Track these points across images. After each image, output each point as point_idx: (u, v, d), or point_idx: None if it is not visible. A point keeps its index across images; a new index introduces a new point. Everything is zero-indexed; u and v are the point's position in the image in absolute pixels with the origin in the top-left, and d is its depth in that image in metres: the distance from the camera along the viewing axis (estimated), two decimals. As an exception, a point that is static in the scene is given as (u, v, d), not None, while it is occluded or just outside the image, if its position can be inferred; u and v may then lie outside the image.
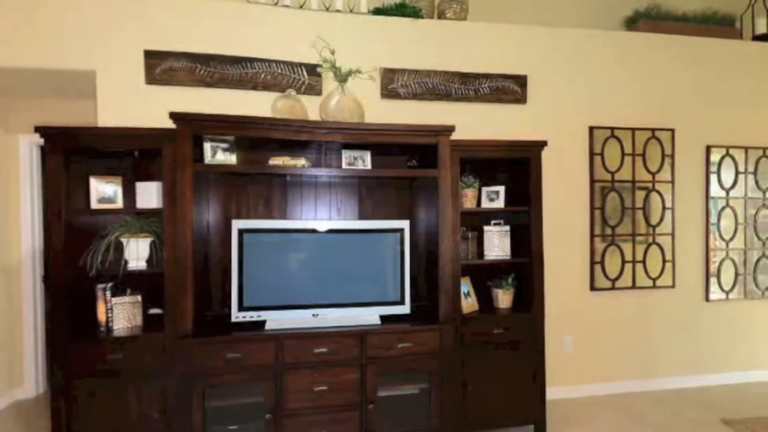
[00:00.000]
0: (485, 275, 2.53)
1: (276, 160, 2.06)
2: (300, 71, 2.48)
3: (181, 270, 1.86)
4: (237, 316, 1.99)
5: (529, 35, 2.79)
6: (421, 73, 2.62)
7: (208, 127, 1.90)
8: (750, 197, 3.08)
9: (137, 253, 2.00)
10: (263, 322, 2.00)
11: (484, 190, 2.42)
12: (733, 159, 3.05)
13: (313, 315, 2.06)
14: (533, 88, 2.78)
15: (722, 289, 3.03)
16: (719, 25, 3.12)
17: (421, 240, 2.39)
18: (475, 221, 2.52)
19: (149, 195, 2.02)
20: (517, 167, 2.43)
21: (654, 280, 2.93)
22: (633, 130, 2.90)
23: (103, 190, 2.02)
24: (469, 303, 2.33)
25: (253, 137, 1.97)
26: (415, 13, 2.65)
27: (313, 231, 2.11)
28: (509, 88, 2.73)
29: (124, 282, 2.03)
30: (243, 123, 1.92)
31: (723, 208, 3.04)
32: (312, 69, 2.44)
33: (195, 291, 1.91)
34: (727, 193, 3.05)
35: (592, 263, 2.85)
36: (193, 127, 1.88)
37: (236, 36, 2.43)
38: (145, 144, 1.94)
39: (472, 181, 2.37)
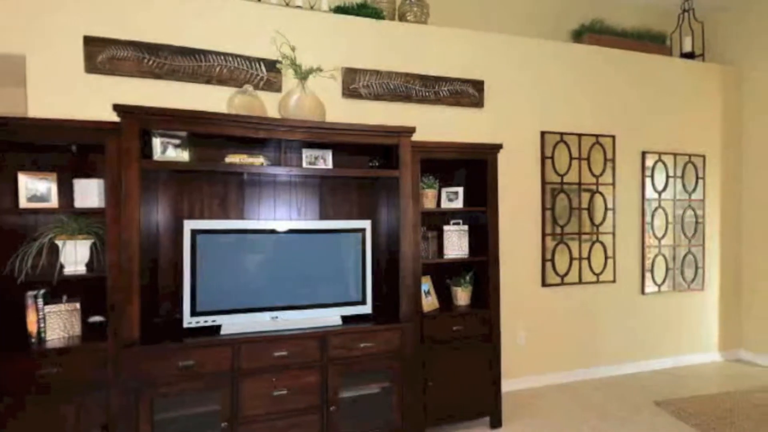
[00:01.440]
0: (445, 274, 2.60)
1: (233, 158, 1.98)
2: (258, 66, 2.41)
3: (126, 274, 1.73)
4: (190, 321, 1.89)
5: (486, 42, 2.90)
6: (382, 74, 2.63)
7: (158, 121, 1.79)
8: (678, 199, 3.41)
9: (75, 256, 1.84)
10: (218, 327, 1.92)
11: (444, 190, 2.48)
12: (665, 164, 3.36)
13: (272, 318, 2.01)
14: (490, 93, 2.89)
15: (655, 283, 3.33)
16: (653, 42, 3.42)
17: (383, 240, 2.41)
18: (436, 221, 2.57)
19: (89, 193, 1.86)
20: (474, 169, 2.52)
21: (598, 275, 3.16)
22: (579, 135, 3.10)
23: (35, 188, 1.83)
24: (429, 301, 2.38)
25: (209, 133, 1.88)
26: (376, 14, 2.67)
27: (273, 231, 2.05)
28: (467, 92, 2.82)
29: (60, 288, 1.86)
30: (197, 118, 1.83)
31: (656, 209, 3.34)
32: (271, 65, 2.37)
33: (143, 296, 1.79)
34: (659, 195, 3.35)
35: (544, 260, 3.01)
36: (141, 121, 1.76)
37: (189, 26, 2.31)
38: (85, 138, 1.79)
39: (432, 181, 2.42)
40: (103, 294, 1.78)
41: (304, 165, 2.13)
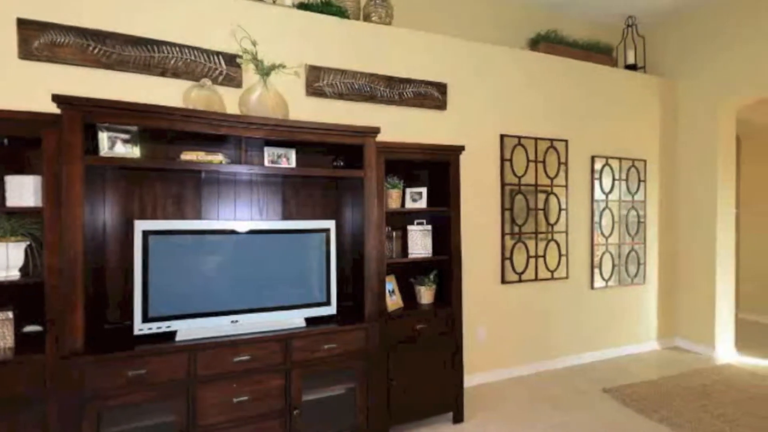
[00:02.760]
0: (409, 273, 2.63)
1: (189, 155, 1.88)
2: (217, 60, 2.31)
3: (68, 279, 1.60)
4: (141, 327, 1.77)
5: (449, 46, 2.97)
6: (347, 74, 2.62)
7: (105, 114, 1.66)
8: (623, 200, 3.67)
9: (7, 260, 1.67)
10: (173, 333, 1.82)
11: (408, 191, 2.51)
12: (611, 168, 3.61)
13: (232, 322, 1.93)
14: (452, 96, 2.96)
15: (603, 278, 3.57)
16: (601, 53, 3.66)
17: (348, 240, 2.40)
18: (400, 221, 2.60)
19: (23, 191, 1.69)
20: (438, 170, 2.57)
21: (552, 272, 3.33)
22: (536, 139, 3.26)
23: (-43, 185, 1.64)
24: (394, 300, 2.39)
25: (163, 129, 1.78)
26: (340, 13, 2.65)
27: (233, 232, 1.98)
28: (431, 95, 2.88)
29: (-11, 296, 1.68)
30: (150, 112, 1.72)
31: (603, 209, 3.58)
32: (231, 59, 2.29)
33: (88, 302, 1.66)
34: (606, 196, 3.59)
35: (503, 259, 3.13)
36: (85, 114, 1.63)
37: (140, 14, 2.17)
38: (17, 130, 1.62)
39: (396, 182, 2.44)
40: (41, 301, 1.63)
41: (266, 164, 2.07)
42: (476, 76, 3.06)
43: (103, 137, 1.74)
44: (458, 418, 2.46)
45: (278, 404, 1.89)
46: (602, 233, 3.57)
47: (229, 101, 2.16)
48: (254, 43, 1.97)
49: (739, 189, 4.62)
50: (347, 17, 2.68)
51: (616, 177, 3.63)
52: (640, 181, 3.73)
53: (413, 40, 2.85)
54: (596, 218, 3.54)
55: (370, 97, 2.69)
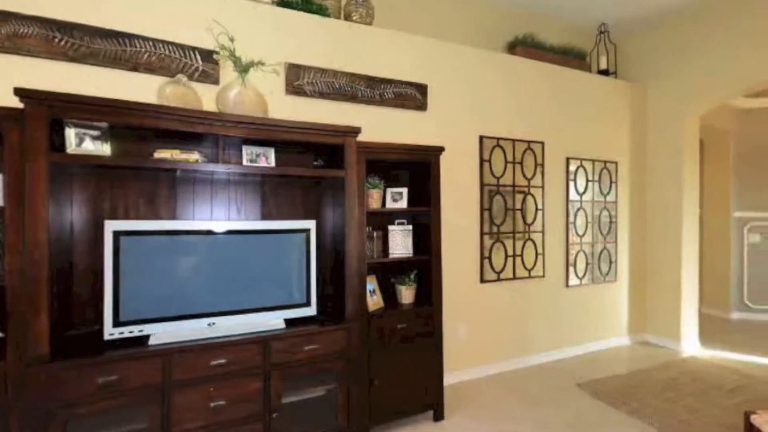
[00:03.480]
0: (390, 273, 2.64)
1: (163, 153, 1.82)
2: (193, 56, 2.25)
3: (32, 281, 1.52)
4: (112, 332, 1.71)
5: (430, 47, 2.99)
6: (328, 73, 2.60)
7: (72, 109, 1.59)
8: (596, 200, 3.80)
9: (-36, 263, 1.57)
10: (147, 337, 1.76)
11: (389, 191, 2.51)
12: (585, 169, 3.73)
13: (209, 324, 1.89)
14: (433, 97, 2.99)
15: (577, 276, 3.68)
16: (575, 58, 3.78)
17: (328, 240, 2.38)
18: (381, 221, 2.60)
19: (-17, 189, 1.60)
20: (418, 170, 2.58)
21: (529, 271, 3.41)
22: (514, 141, 3.33)
23: None
24: (374, 300, 2.40)
25: (135, 126, 1.71)
26: (321, 11, 2.63)
27: (209, 232, 1.93)
28: (411, 95, 2.89)
29: (-57, 301, 1.58)
30: (121, 108, 1.66)
31: (578, 210, 3.70)
32: (208, 55, 2.23)
33: (54, 306, 1.59)
34: (581, 197, 3.71)
35: (482, 258, 3.19)
36: (51, 109, 1.55)
37: (110, 5, 2.08)
38: (-24, 125, 1.54)
39: (377, 182, 2.44)
40: (2, 305, 1.54)
41: (245, 162, 2.03)
42: (456, 77, 3.09)
43: (71, 133, 1.67)
44: (439, 416, 2.48)
45: (257, 408, 1.85)
46: (577, 233, 3.68)
47: (206, 98, 2.11)
48: (232, 39, 1.93)
49: (703, 190, 4.87)
50: (328, 16, 2.66)
51: (590, 178, 3.75)
52: (611, 182, 3.88)
53: (394, 41, 2.86)
54: (571, 218, 3.65)
55: (351, 97, 2.68)
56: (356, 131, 2.14)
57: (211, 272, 1.93)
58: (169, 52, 2.19)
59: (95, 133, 1.71)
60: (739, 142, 4.88)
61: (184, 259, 1.89)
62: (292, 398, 1.98)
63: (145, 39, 2.14)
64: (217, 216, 2.21)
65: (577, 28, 4.05)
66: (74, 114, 1.60)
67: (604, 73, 3.94)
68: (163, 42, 2.18)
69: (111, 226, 1.73)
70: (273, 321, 2.01)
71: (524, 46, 3.50)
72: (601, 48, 4.01)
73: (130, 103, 1.68)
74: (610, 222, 3.88)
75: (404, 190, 2.50)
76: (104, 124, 1.70)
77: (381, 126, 2.75)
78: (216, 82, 2.29)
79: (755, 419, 1.38)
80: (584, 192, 3.72)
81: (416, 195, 2.57)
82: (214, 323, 1.90)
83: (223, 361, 1.78)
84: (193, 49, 2.24)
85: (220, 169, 1.90)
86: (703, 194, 4.87)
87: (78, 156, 1.67)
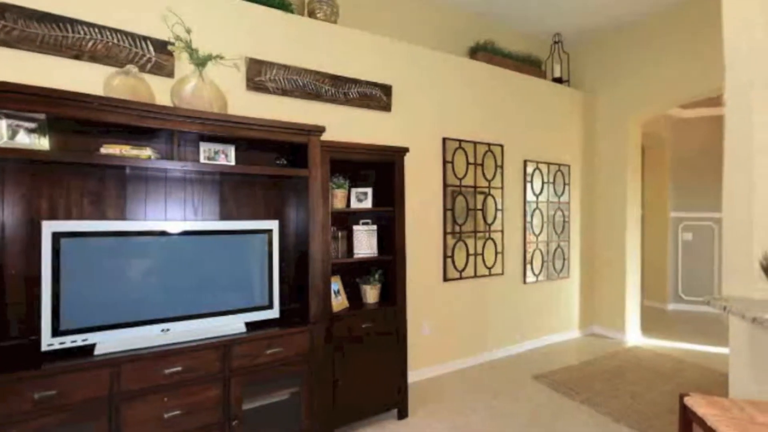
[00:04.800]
0: (355, 273, 2.63)
1: (111, 149, 1.70)
2: (144, 46, 2.12)
3: (-46, 290, 1.36)
4: (50, 342, 1.57)
5: (394, 49, 3.02)
6: (291, 70, 2.55)
7: (4, 98, 1.44)
8: (550, 201, 4.01)
9: None
10: (92, 347, 1.63)
11: (354, 191, 2.50)
12: (541, 171, 3.92)
13: (163, 330, 1.78)
14: (397, 98, 3.02)
15: (534, 273, 3.86)
16: (532, 66, 3.96)
17: (291, 240, 2.33)
18: (345, 221, 2.59)
19: None
20: (383, 170, 2.59)
21: (490, 269, 3.54)
22: (475, 143, 3.44)
23: None
24: (339, 301, 2.38)
25: (79, 118, 1.58)
26: (283, 6, 2.57)
27: (163, 233, 1.82)
28: (376, 96, 2.90)
29: None
30: (62, 99, 1.53)
31: (534, 210, 3.88)
32: (162, 46, 2.11)
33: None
34: (537, 197, 3.90)
35: (445, 257, 3.26)
36: (-23, 97, 1.40)
37: (50, -13, 1.92)
38: None
39: (342, 181, 2.43)
40: None
41: (202, 160, 1.94)
42: (420, 80, 3.14)
43: (2, 125, 1.51)
44: (403, 414, 2.51)
45: (216, 416, 1.78)
46: (533, 232, 3.86)
47: (160, 91, 1.99)
48: (188, 31, 1.84)
49: (644, 193, 5.29)
50: (291, 11, 2.61)
51: (545, 180, 3.95)
52: (565, 184, 4.10)
53: (359, 41, 2.85)
54: (528, 218, 3.82)
55: (315, 95, 2.64)
56: (321, 130, 2.11)
57: (165, 276, 1.82)
58: (118, 40, 2.05)
59: (31, 125, 1.56)
60: (675, 149, 5.35)
61: (134, 261, 1.77)
62: (253, 404, 1.91)
63: (90, 25, 1.99)
64: (172, 216, 2.09)
65: (533, 37, 4.25)
66: (6, 104, 1.45)
67: (558, 81, 4.16)
68: (110, 29, 2.03)
69: (50, 226, 1.58)
70: (233, 325, 1.94)
71: (485, 52, 3.62)
72: (556, 57, 4.23)
73: (71, 94, 1.55)
74: (564, 222, 4.10)
75: (369, 190, 2.50)
76: (42, 116, 1.56)
77: (346, 126, 2.74)
78: (170, 74, 2.17)
79: (688, 401, 1.51)
80: (540, 193, 3.91)
81: (381, 195, 2.58)
82: (168, 329, 1.80)
83: (178, 368, 1.69)
84: (145, 38, 2.11)
85: (174, 166, 1.80)
86: (644, 196, 5.28)
87: (10, 150, 1.51)
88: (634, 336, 4.06)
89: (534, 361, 3.52)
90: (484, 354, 3.51)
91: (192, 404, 1.72)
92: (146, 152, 1.76)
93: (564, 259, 4.09)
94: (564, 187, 4.10)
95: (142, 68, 2.06)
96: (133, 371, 1.61)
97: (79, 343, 1.61)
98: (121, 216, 1.96)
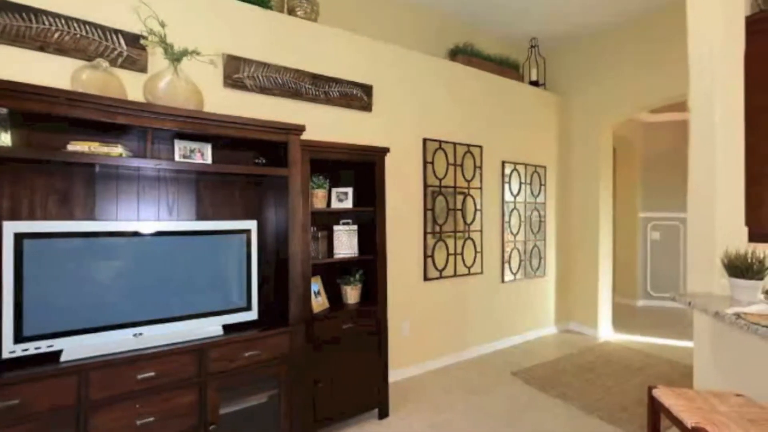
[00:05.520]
0: (335, 273, 2.61)
1: (79, 146, 1.63)
2: (115, 39, 2.03)
3: None
4: (12, 349, 1.48)
5: (375, 49, 3.02)
6: (270, 67, 2.50)
7: (-41, 91, 1.36)
8: (528, 201, 4.11)
9: None
10: (58, 353, 1.56)
11: (334, 190, 2.49)
12: (518, 172, 4.01)
13: (135, 335, 1.72)
14: (378, 98, 3.02)
15: (512, 272, 3.95)
16: (510, 69, 4.05)
17: (271, 241, 2.29)
18: (326, 221, 2.57)
19: None
20: (363, 170, 2.59)
21: (469, 268, 3.59)
22: (455, 144, 3.48)
23: None
24: (319, 302, 2.36)
25: (44, 113, 1.51)
26: (262, 2, 2.52)
27: (135, 234, 1.76)
28: (357, 96, 2.89)
29: None
30: (25, 92, 1.45)
31: (512, 210, 3.96)
32: (134, 39, 2.03)
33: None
34: (515, 198, 3.98)
35: (425, 257, 3.29)
36: (-71, 89, 1.31)
37: (11, -25, 1.81)
38: None
39: (322, 181, 2.41)
40: None
41: (177, 158, 1.88)
42: (400, 80, 3.15)
43: (-43, 119, 1.42)
44: (384, 414, 2.51)
45: (191, 421, 1.73)
46: (511, 231, 3.95)
47: (132, 87, 1.92)
48: (162, 24, 1.78)
49: (615, 193, 5.49)
50: (270, 8, 2.56)
51: (523, 181, 4.04)
52: (541, 185, 4.21)
53: (340, 40, 2.83)
54: (506, 218, 3.90)
55: (295, 94, 2.61)
56: (301, 129, 2.09)
57: (138, 278, 1.76)
58: (87, 32, 1.96)
59: (-10, 120, 1.48)
60: (643, 152, 5.58)
61: (105, 263, 1.70)
62: (231, 408, 1.88)
63: (56, 16, 1.89)
64: (145, 216, 2.02)
65: (511, 41, 4.34)
66: (-38, 97, 1.37)
67: (535, 84, 4.27)
68: (78, 21, 1.94)
69: (11, 227, 1.50)
70: (209, 328, 1.89)
71: (464, 54, 3.67)
72: (532, 61, 4.34)
73: (35, 87, 1.47)
74: (540, 221, 4.21)
75: (349, 190, 2.49)
76: (3, 110, 1.48)
77: (326, 125, 2.72)
78: (143, 69, 2.10)
79: (656, 393, 1.59)
80: (518, 193, 4.00)
81: (362, 195, 2.58)
82: (140, 333, 1.74)
83: (151, 374, 1.64)
84: (116, 31, 2.03)
85: (148, 165, 1.74)
86: (615, 197, 5.48)
87: (-33, 146, 1.43)
88: (606, 332, 4.21)
89: (512, 357, 3.60)
90: (464, 352, 3.56)
91: (166, 410, 1.67)
92: (117, 150, 1.69)
93: (540, 258, 4.20)
94: (540, 188, 4.20)
95: (112, 62, 1.99)
96: (103, 378, 1.55)
97: (44, 350, 1.54)
98: (91, 216, 1.88)
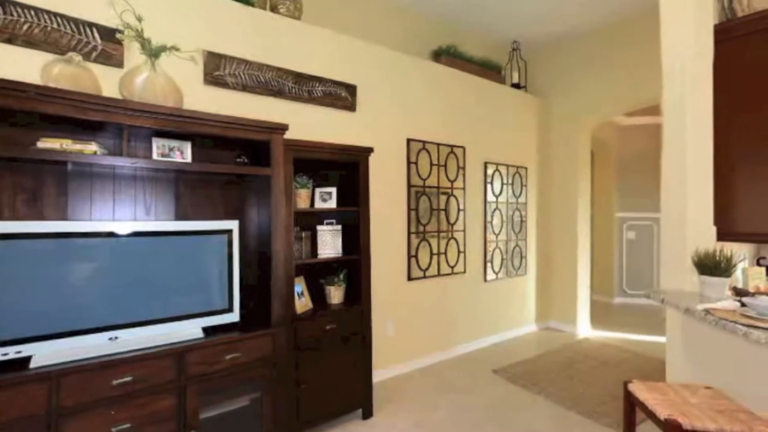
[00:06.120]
0: (319, 273, 2.60)
1: (49, 143, 1.56)
2: (89, 33, 1.96)
3: None
4: (-23, 356, 1.41)
5: (359, 48, 3.01)
6: (252, 65, 2.47)
7: None
8: (509, 202, 4.18)
9: None
10: (27, 359, 1.49)
11: (318, 190, 2.47)
12: (500, 173, 4.07)
13: (111, 339, 1.66)
14: (362, 98, 3.01)
15: (494, 271, 4.01)
16: (492, 71, 4.11)
17: (253, 241, 2.26)
18: (309, 221, 2.55)
19: None
20: (347, 170, 2.58)
21: (452, 267, 3.62)
22: (438, 145, 3.51)
23: None
24: (302, 303, 2.34)
25: (11, 109, 1.44)
26: (245, -1, 2.48)
27: (111, 234, 1.70)
28: (341, 95, 2.88)
29: None
30: (-11, 87, 1.38)
31: (494, 210, 4.02)
32: (109, 33, 1.97)
33: None
34: (497, 198, 4.05)
35: (409, 256, 3.30)
36: None
37: (-24, -38, 1.73)
38: None
39: (306, 181, 2.39)
40: None
41: (155, 157, 1.83)
42: (385, 81, 3.16)
43: None
44: (367, 414, 2.51)
45: (170, 427, 1.68)
46: (493, 231, 4.00)
47: (107, 82, 1.86)
48: (139, 19, 1.73)
49: (593, 194, 5.64)
50: (252, 5, 2.52)
51: (505, 181, 4.11)
52: (522, 185, 4.29)
53: (324, 39, 2.81)
54: (489, 218, 3.96)
55: (278, 92, 2.58)
56: (284, 128, 2.06)
57: (113, 280, 1.70)
58: (59, 25, 1.89)
59: (-47, 114, 1.40)
60: (620, 154, 5.76)
61: (78, 265, 1.64)
62: (212, 412, 1.84)
63: (25, 6, 1.81)
64: (121, 216, 1.96)
65: (493, 44, 4.40)
66: None
67: (516, 86, 4.35)
68: (49, 12, 1.87)
69: (-24, 228, 1.43)
70: (189, 330, 1.85)
71: (448, 56, 3.71)
72: (514, 63, 4.42)
73: (1, 81, 1.40)
74: (521, 221, 4.29)
75: (333, 190, 2.48)
76: (-34, 105, 1.40)
77: (309, 124, 2.70)
78: (120, 65, 2.03)
79: (631, 387, 1.64)
80: (500, 194, 4.06)
81: (346, 195, 2.56)
82: (116, 337, 1.68)
83: (128, 379, 1.59)
84: (91, 25, 1.96)
85: (124, 163, 1.68)
86: (593, 198, 5.63)
87: (-73, 142, 1.35)
88: (584, 329, 4.32)
89: (494, 355, 3.65)
90: (448, 351, 3.59)
91: (144, 416, 1.62)
92: (91, 147, 1.63)
93: (522, 258, 4.28)
94: (521, 189, 4.28)
95: (86, 57, 1.92)
96: (76, 384, 1.49)
97: (12, 356, 1.47)
98: (63, 216, 1.81)
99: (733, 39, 2.03)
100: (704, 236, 2.02)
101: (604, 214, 5.86)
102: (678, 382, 1.97)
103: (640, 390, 1.59)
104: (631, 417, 1.69)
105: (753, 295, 1.77)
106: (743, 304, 1.61)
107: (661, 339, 3.92)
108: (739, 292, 1.84)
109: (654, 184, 5.25)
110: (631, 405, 1.67)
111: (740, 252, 2.33)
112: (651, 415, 1.47)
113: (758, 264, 2.71)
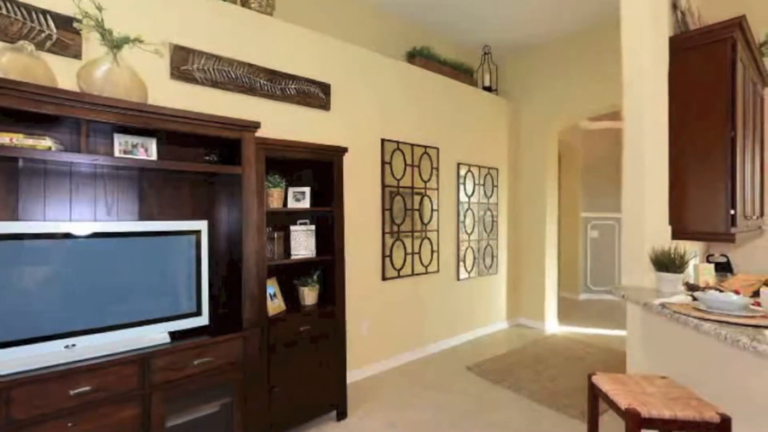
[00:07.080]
0: (292, 274, 2.55)
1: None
2: (43, 20, 1.84)
3: None
4: None
5: (334, 47, 2.99)
6: (222, 60, 2.39)
7: None
8: (481, 202, 4.27)
9: None
10: (-29, 371, 1.38)
11: (291, 190, 2.43)
12: (473, 174, 4.16)
13: (67, 347, 1.57)
14: (336, 97, 2.99)
15: (466, 270, 4.09)
16: (465, 74, 4.19)
17: (223, 242, 2.19)
18: (282, 221, 2.50)
19: None
20: (321, 169, 2.55)
21: (426, 267, 3.66)
22: (412, 145, 3.54)
23: None
24: (275, 304, 2.29)
25: (-50, 99, 1.33)
26: (214, -8, 2.40)
27: (67, 236, 1.60)
28: (315, 94, 2.85)
29: None
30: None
31: (467, 210, 4.10)
32: (66, 22, 1.85)
33: None
34: (469, 198, 4.13)
35: (383, 256, 3.31)
36: None
37: None
38: None
39: (278, 180, 2.34)
40: None
41: (117, 153, 1.74)
42: (359, 80, 3.15)
43: None
44: (342, 415, 2.49)
45: (133, 437, 1.61)
46: (466, 231, 4.08)
47: (64, 74, 1.75)
48: (99, 8, 1.64)
49: (560, 195, 5.87)
50: (222, -1, 2.45)
51: (477, 182, 4.20)
52: (494, 186, 4.40)
53: (297, 36, 2.77)
54: (461, 218, 4.03)
55: (249, 89, 2.51)
56: (255, 126, 2.01)
57: (70, 284, 1.60)
58: (8, 11, 1.76)
59: None
60: (584, 156, 6.02)
61: (30, 269, 1.53)
62: (179, 420, 1.77)
63: (-31, -10, 1.68)
64: (79, 216, 1.84)
65: (466, 47, 4.49)
66: None
67: (488, 89, 4.45)
68: (-3, -3, 1.73)
69: None
70: (154, 335, 1.77)
71: (422, 57, 3.75)
72: (486, 67, 4.52)
73: (-57, 70, 1.29)
74: (493, 221, 4.40)
75: (307, 190, 2.45)
76: None
77: (282, 123, 2.65)
78: (77, 56, 1.92)
79: (594, 379, 1.72)
80: (472, 194, 4.15)
81: (319, 195, 2.54)
82: (74, 344, 1.58)
83: (86, 388, 1.50)
84: (44, 12, 1.84)
85: (82, 160, 1.58)
86: (560, 198, 5.86)
87: None
88: (552, 325, 4.49)
89: (467, 352, 3.72)
90: (422, 348, 3.63)
91: (105, 426, 1.54)
92: (45, 143, 1.53)
93: (493, 257, 4.39)
94: (493, 189, 4.39)
95: (39, 46, 1.80)
96: (28, 395, 1.39)
97: (-46, 368, 1.35)
98: (13, 216, 1.69)
99: (685, 50, 2.17)
100: (660, 235, 2.15)
101: (569, 213, 6.10)
102: (637, 373, 2.08)
103: (602, 382, 1.67)
104: (595, 407, 1.77)
105: (703, 289, 1.90)
106: (694, 298, 1.73)
107: (624, 332, 4.14)
108: (691, 287, 1.97)
109: (616, 185, 5.53)
110: (595, 396, 1.75)
111: (692, 249, 2.50)
112: (612, 405, 1.54)
113: (708, 261, 2.91)
